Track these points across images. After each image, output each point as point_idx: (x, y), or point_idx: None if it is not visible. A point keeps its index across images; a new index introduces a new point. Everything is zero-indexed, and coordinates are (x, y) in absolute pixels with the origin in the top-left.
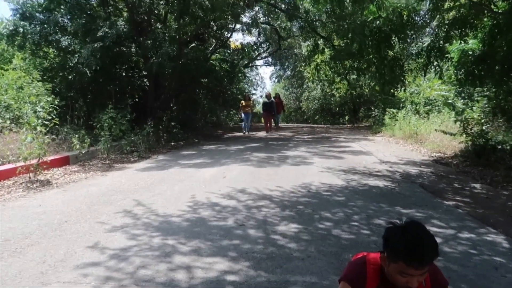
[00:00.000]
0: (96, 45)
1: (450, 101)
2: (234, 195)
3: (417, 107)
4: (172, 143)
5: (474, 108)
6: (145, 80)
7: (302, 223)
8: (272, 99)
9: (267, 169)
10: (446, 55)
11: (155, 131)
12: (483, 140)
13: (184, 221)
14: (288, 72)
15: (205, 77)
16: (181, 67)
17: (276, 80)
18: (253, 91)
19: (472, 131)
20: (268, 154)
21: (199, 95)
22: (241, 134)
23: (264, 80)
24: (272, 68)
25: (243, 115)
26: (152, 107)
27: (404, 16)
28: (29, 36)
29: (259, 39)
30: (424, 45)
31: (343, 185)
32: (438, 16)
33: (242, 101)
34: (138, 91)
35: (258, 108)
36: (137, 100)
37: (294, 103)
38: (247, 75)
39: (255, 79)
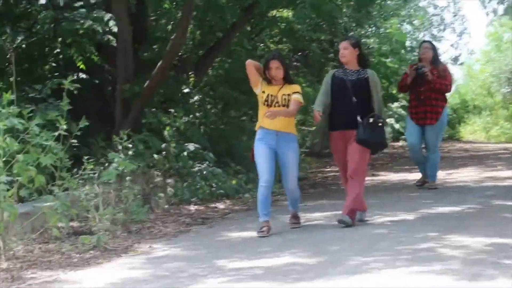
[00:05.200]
0: None
1: None
2: None
3: None
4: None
5: None
6: (104, 17)
7: None
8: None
9: None
10: None
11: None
12: None
13: None
14: None
15: None
16: None
17: (504, 8)
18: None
19: None
20: None
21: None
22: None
23: (460, 7)
24: None
25: (258, 152)
26: (131, 94)
27: None
28: None
29: None
30: None
31: None
32: None
33: (262, 83)
34: (87, 50)
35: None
36: (84, 76)
37: None
38: None
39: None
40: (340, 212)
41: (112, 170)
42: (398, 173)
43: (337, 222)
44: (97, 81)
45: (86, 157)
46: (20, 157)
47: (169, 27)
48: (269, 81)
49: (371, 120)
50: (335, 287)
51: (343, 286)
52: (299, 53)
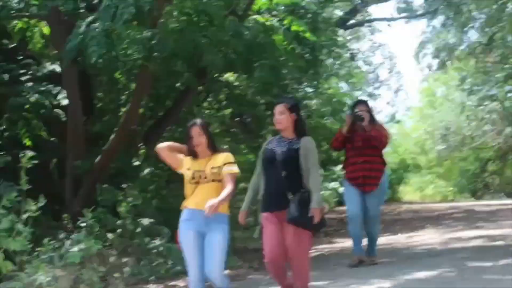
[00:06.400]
0: None
1: None
2: None
3: None
4: None
5: None
6: (52, 91)
7: None
8: (295, 141)
9: None
10: None
11: None
12: None
13: None
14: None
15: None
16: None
17: (438, 62)
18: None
19: None
20: None
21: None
22: None
23: (395, 63)
24: (422, 25)
25: (184, 240)
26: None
27: None
28: None
29: None
30: None
31: None
32: None
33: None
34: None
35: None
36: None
37: None
38: (355, 49)
39: (372, 63)
40: None
41: (76, 252)
42: None
43: None
44: (43, 158)
45: (47, 239)
46: None
47: (123, 97)
48: (195, 155)
49: (302, 195)
50: None
51: None
52: (237, 118)
